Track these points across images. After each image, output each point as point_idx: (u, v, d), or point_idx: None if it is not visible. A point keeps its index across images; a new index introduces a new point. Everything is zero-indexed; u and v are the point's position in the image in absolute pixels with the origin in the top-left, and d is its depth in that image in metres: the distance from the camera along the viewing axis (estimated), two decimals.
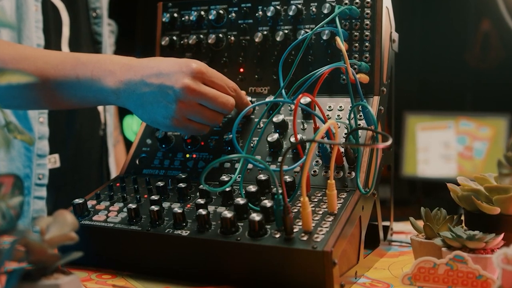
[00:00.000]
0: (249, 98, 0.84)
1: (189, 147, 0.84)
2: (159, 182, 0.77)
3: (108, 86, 0.77)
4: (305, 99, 0.77)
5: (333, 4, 0.82)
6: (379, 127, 0.77)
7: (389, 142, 0.65)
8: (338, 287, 0.63)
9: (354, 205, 0.69)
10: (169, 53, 0.92)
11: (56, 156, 1.05)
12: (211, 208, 0.72)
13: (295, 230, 0.64)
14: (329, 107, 0.80)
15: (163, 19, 0.92)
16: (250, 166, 0.78)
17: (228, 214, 0.66)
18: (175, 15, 0.92)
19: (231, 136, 0.80)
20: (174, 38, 0.92)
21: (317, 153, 0.76)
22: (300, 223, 0.65)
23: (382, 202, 0.81)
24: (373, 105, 0.78)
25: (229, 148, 0.82)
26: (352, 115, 0.75)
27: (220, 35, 0.88)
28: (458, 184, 0.73)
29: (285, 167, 0.73)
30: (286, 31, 0.84)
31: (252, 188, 0.71)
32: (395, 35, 0.84)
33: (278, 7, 0.85)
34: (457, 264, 0.58)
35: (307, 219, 0.64)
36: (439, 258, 0.60)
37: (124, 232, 0.71)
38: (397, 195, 0.94)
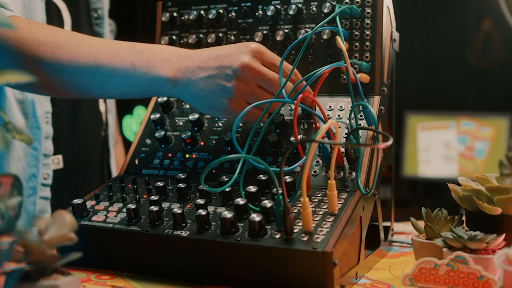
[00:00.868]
0: None
1: (188, 147, 0.84)
2: (158, 182, 0.76)
3: (164, 74, 0.75)
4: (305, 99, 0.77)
5: (334, 3, 0.81)
6: (379, 127, 0.76)
7: (390, 142, 0.65)
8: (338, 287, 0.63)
9: (355, 206, 0.68)
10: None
11: (60, 157, 1.05)
12: (211, 209, 0.71)
13: (295, 231, 0.64)
14: (330, 107, 0.80)
15: (163, 19, 0.92)
16: (250, 166, 0.78)
17: (228, 214, 0.66)
18: (175, 14, 0.91)
19: (231, 136, 0.80)
20: (174, 37, 0.91)
21: (318, 153, 0.76)
22: (300, 224, 0.65)
23: (383, 203, 0.80)
24: (374, 105, 0.78)
25: (229, 148, 0.81)
26: (352, 115, 0.75)
27: (220, 34, 0.88)
28: (459, 185, 0.72)
29: (285, 167, 0.73)
30: (286, 31, 0.84)
31: (252, 188, 0.70)
32: (396, 35, 0.83)
33: (278, 6, 0.85)
34: (458, 265, 0.58)
35: (307, 219, 0.63)
36: (440, 258, 0.60)
37: (123, 233, 0.71)
38: (398, 195, 0.94)
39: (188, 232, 0.68)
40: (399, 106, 0.90)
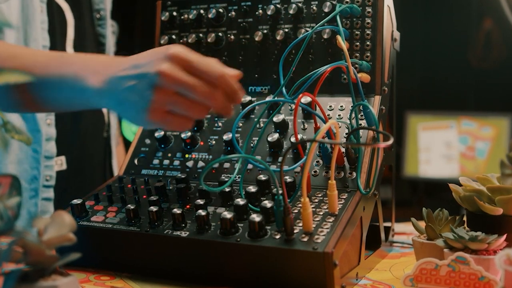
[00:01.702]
0: (248, 98, 0.84)
1: (188, 147, 0.83)
2: (158, 183, 0.76)
3: (92, 86, 0.72)
4: (305, 99, 0.76)
5: (334, 2, 0.81)
6: (380, 127, 0.76)
7: (391, 142, 0.65)
8: None
9: (355, 206, 0.68)
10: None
11: (63, 158, 1.05)
12: (210, 209, 0.71)
13: (295, 231, 0.63)
14: (330, 106, 0.80)
15: (162, 18, 0.92)
16: (250, 166, 0.78)
17: (227, 214, 0.65)
18: (174, 13, 0.91)
19: (230, 135, 0.80)
20: (173, 37, 0.91)
21: (318, 153, 0.76)
22: (300, 224, 0.64)
23: (384, 203, 0.80)
24: (374, 104, 0.77)
25: (228, 148, 0.81)
26: (353, 115, 0.74)
27: (220, 34, 0.88)
28: (460, 185, 0.72)
29: (285, 167, 0.73)
30: (287, 30, 0.84)
31: (252, 188, 0.70)
32: (397, 34, 0.83)
33: (278, 5, 0.84)
34: (459, 266, 0.58)
35: (307, 220, 0.63)
36: (441, 259, 0.60)
37: (122, 233, 0.71)
38: (398, 195, 0.93)
39: (187, 233, 0.68)
40: (400, 106, 0.90)
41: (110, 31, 1.17)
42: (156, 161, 0.84)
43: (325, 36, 0.81)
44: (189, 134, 0.83)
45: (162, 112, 0.68)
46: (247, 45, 0.87)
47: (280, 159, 0.77)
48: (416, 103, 3.01)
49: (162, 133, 0.84)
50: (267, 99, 0.83)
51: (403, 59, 0.94)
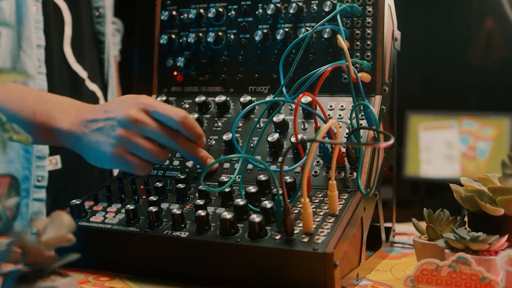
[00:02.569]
0: (248, 98, 0.83)
1: None
2: (157, 183, 0.76)
3: (60, 126, 0.79)
4: (306, 98, 0.76)
5: (334, 1, 0.81)
6: (381, 127, 0.76)
7: (391, 141, 0.64)
8: None
9: (356, 206, 0.68)
10: (168, 51, 0.91)
11: (57, 157, 1.05)
12: (210, 209, 0.71)
13: (295, 232, 0.63)
14: (330, 106, 0.79)
15: (162, 17, 0.91)
16: (250, 166, 0.78)
17: (227, 215, 0.65)
18: (174, 13, 0.91)
19: (230, 135, 0.79)
20: (173, 36, 0.91)
21: (318, 153, 0.75)
22: (300, 225, 0.64)
23: (384, 203, 0.80)
24: (375, 104, 0.77)
25: (228, 148, 0.81)
26: (353, 115, 0.74)
27: (220, 33, 0.88)
28: (461, 185, 0.72)
29: (285, 168, 0.73)
30: (287, 29, 0.84)
31: (252, 188, 0.70)
32: (397, 33, 0.83)
33: (278, 5, 0.84)
34: (460, 266, 0.58)
35: (308, 220, 0.63)
36: (442, 260, 0.60)
37: (122, 234, 0.70)
38: (399, 195, 0.93)
39: (187, 233, 0.67)
40: (401, 106, 0.89)
41: (110, 29, 1.17)
42: None
43: (326, 36, 0.81)
44: None
45: (124, 152, 0.75)
46: (247, 44, 0.87)
47: (280, 159, 0.77)
48: (417, 103, 3.00)
49: None
50: (267, 99, 0.82)
51: (404, 59, 0.93)
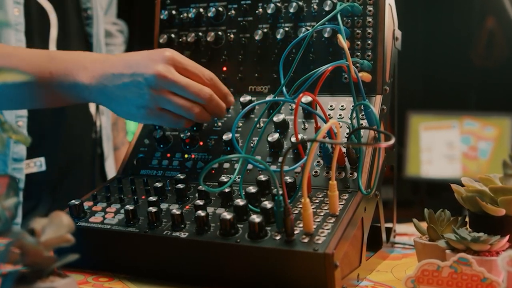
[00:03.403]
0: (248, 97, 0.83)
1: (187, 147, 0.83)
2: (157, 183, 0.76)
3: (80, 81, 0.77)
4: (306, 98, 0.76)
5: (335, 1, 0.80)
6: (381, 127, 0.76)
7: (392, 141, 0.64)
8: None
9: (356, 207, 0.68)
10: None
11: (42, 159, 1.04)
12: (210, 210, 0.71)
13: (296, 232, 0.63)
14: (331, 106, 0.79)
15: (161, 17, 0.91)
16: (250, 166, 0.77)
17: (227, 215, 0.65)
18: (174, 12, 0.91)
19: (230, 135, 0.79)
20: (173, 35, 0.90)
21: (319, 153, 0.75)
22: (301, 225, 0.64)
23: (385, 203, 0.80)
24: (376, 104, 0.77)
25: (228, 148, 0.80)
26: (354, 115, 0.74)
27: (220, 32, 0.87)
28: (462, 185, 0.72)
29: (285, 168, 0.72)
30: (287, 29, 0.83)
31: (252, 189, 0.70)
32: (398, 33, 0.82)
33: (278, 4, 0.84)
34: (461, 267, 0.57)
35: (308, 220, 0.63)
36: (443, 260, 0.59)
37: (121, 234, 0.70)
38: (400, 196, 0.93)
39: (187, 234, 0.67)
40: (401, 106, 0.89)
41: (101, 30, 1.16)
42: (155, 161, 0.84)
43: (326, 35, 0.81)
44: (188, 134, 0.82)
45: (157, 109, 0.75)
46: (247, 44, 0.86)
47: (280, 159, 0.77)
48: (417, 103, 3.00)
49: (161, 133, 0.84)
50: (267, 98, 0.82)
51: (405, 58, 0.93)
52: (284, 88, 0.75)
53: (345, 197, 0.69)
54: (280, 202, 0.62)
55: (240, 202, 0.67)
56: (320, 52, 0.82)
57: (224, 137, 0.80)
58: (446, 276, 0.58)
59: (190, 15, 0.89)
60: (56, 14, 1.06)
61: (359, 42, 0.79)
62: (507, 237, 0.65)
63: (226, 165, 0.79)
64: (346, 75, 0.80)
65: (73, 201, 0.75)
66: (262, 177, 0.72)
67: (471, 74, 2.97)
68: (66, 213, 0.71)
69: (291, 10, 0.82)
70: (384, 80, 0.78)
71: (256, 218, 0.63)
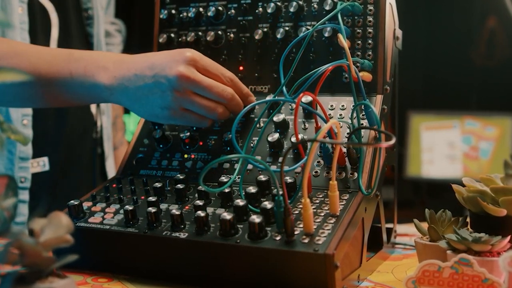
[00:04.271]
0: None
1: (187, 147, 0.83)
2: (156, 183, 0.75)
3: (101, 82, 0.77)
4: (306, 98, 0.76)
5: (335, 0, 0.80)
6: (382, 127, 0.75)
7: (393, 141, 0.64)
8: None
9: (357, 207, 0.67)
10: (167, 50, 0.90)
11: (45, 159, 1.04)
12: (210, 210, 0.70)
13: (296, 233, 0.63)
14: (331, 106, 0.79)
15: (161, 16, 0.91)
16: (250, 166, 0.77)
17: (227, 216, 0.65)
18: (173, 11, 0.90)
19: (230, 135, 0.79)
20: (172, 35, 0.90)
21: (319, 153, 0.75)
22: (301, 225, 0.64)
23: (386, 204, 0.79)
24: (376, 104, 0.77)
25: (228, 148, 0.80)
26: (354, 114, 0.73)
27: (219, 32, 0.87)
28: (463, 185, 0.71)
29: (285, 168, 0.72)
30: (287, 28, 0.83)
31: (252, 189, 0.69)
32: (399, 32, 0.82)
33: (278, 3, 0.83)
34: (463, 267, 0.57)
35: (308, 221, 0.62)
36: (444, 261, 0.59)
37: (120, 235, 0.70)
38: (400, 196, 0.93)
39: (186, 234, 0.67)
40: (402, 105, 0.89)
41: (102, 30, 1.16)
42: (154, 162, 0.83)
43: (326, 35, 0.80)
44: (188, 133, 0.82)
45: (180, 109, 0.75)
46: (247, 43, 0.86)
47: (280, 159, 0.76)
48: (418, 103, 3.00)
49: (161, 132, 0.84)
50: (267, 98, 0.82)
51: (405, 58, 0.93)
52: (284, 88, 0.75)
53: (346, 198, 0.69)
54: (280, 202, 0.62)
55: (240, 202, 0.67)
56: (320, 52, 0.81)
57: (224, 137, 0.80)
58: (447, 276, 0.58)
59: (189, 14, 0.89)
60: (57, 13, 1.06)
61: (359, 42, 0.79)
62: (508, 237, 0.65)
63: (226, 165, 0.79)
64: (346, 75, 0.80)
65: (72, 201, 0.74)
66: (262, 177, 0.72)
67: (472, 73, 2.96)
68: (65, 213, 0.71)
69: (291, 10, 0.82)
70: (384, 80, 0.78)
71: (256, 219, 0.63)
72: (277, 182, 0.62)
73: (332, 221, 0.64)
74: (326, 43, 0.81)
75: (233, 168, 0.78)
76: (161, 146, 0.84)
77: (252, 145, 0.78)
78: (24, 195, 1.01)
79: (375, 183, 0.73)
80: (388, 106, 0.79)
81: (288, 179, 0.70)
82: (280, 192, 0.62)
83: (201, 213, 0.66)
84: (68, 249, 0.54)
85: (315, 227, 0.63)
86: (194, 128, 0.84)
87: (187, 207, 0.72)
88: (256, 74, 0.85)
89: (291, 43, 0.76)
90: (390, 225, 0.84)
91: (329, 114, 0.78)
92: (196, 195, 0.74)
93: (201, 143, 0.82)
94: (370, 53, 0.78)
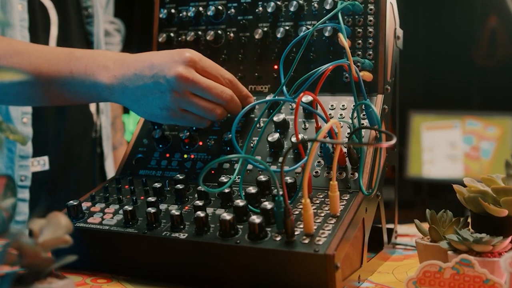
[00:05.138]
0: None
1: (187, 147, 0.82)
2: (156, 183, 0.75)
3: (102, 82, 0.77)
4: (306, 98, 0.76)
5: None
6: (383, 127, 0.75)
7: (393, 141, 0.63)
8: None
9: (357, 207, 0.67)
10: (166, 50, 0.90)
11: (46, 158, 1.04)
12: (209, 210, 0.70)
13: (296, 233, 0.62)
14: (332, 106, 0.79)
15: (160, 15, 0.91)
16: (249, 166, 0.77)
17: (227, 216, 0.64)
18: (173, 11, 0.90)
19: (230, 135, 0.79)
20: (172, 34, 0.90)
21: (319, 153, 0.75)
22: (301, 226, 0.63)
23: (386, 204, 0.79)
24: (377, 103, 0.76)
25: (228, 148, 0.80)
26: (355, 114, 0.73)
27: (219, 31, 0.87)
28: (465, 185, 0.71)
29: (286, 168, 0.72)
30: (287, 28, 0.83)
31: (252, 189, 0.69)
32: (400, 32, 0.82)
33: (278, 2, 0.83)
34: (464, 268, 0.57)
35: (308, 221, 0.62)
36: (445, 261, 0.59)
37: (120, 235, 0.70)
38: (401, 196, 0.92)
39: (186, 234, 0.66)
40: (403, 105, 0.89)
41: (101, 29, 1.16)
42: (154, 162, 0.83)
43: (327, 34, 0.80)
44: (187, 133, 0.82)
45: (179, 110, 0.75)
46: (247, 43, 0.86)
47: (280, 159, 0.76)
48: (419, 102, 2.99)
49: (160, 132, 0.83)
50: (268, 98, 0.81)
51: (406, 58, 0.92)
52: (284, 88, 0.74)
53: (346, 198, 0.68)
54: (280, 202, 0.62)
55: (240, 202, 0.67)
56: (320, 51, 0.81)
57: (224, 137, 0.80)
58: (448, 277, 0.57)
59: (189, 14, 0.89)
60: (57, 11, 1.06)
61: (360, 41, 0.79)
62: (510, 238, 0.65)
63: (226, 165, 0.79)
64: (347, 74, 0.79)
65: (71, 201, 0.74)
66: (262, 178, 0.71)
67: (473, 73, 2.96)
68: (64, 213, 0.71)
69: (292, 9, 0.82)
70: (385, 80, 0.78)
71: (256, 219, 0.63)
72: (277, 182, 0.62)
73: (332, 222, 0.64)
74: (327, 42, 0.81)
75: (233, 168, 0.77)
76: (160, 146, 0.84)
77: (252, 145, 0.78)
78: (24, 194, 1.01)
79: (375, 183, 0.72)
80: (388, 106, 0.78)
81: (288, 179, 0.70)
82: (280, 193, 0.62)
83: (200, 214, 0.66)
84: (67, 249, 0.54)
85: (315, 227, 0.63)
86: (194, 128, 0.83)
87: (186, 208, 0.72)
88: (256, 74, 0.85)
89: (291, 42, 0.76)
90: (390, 226, 0.84)
91: (330, 114, 0.77)
92: (196, 195, 0.74)
93: (200, 143, 0.82)
94: (371, 52, 0.78)
